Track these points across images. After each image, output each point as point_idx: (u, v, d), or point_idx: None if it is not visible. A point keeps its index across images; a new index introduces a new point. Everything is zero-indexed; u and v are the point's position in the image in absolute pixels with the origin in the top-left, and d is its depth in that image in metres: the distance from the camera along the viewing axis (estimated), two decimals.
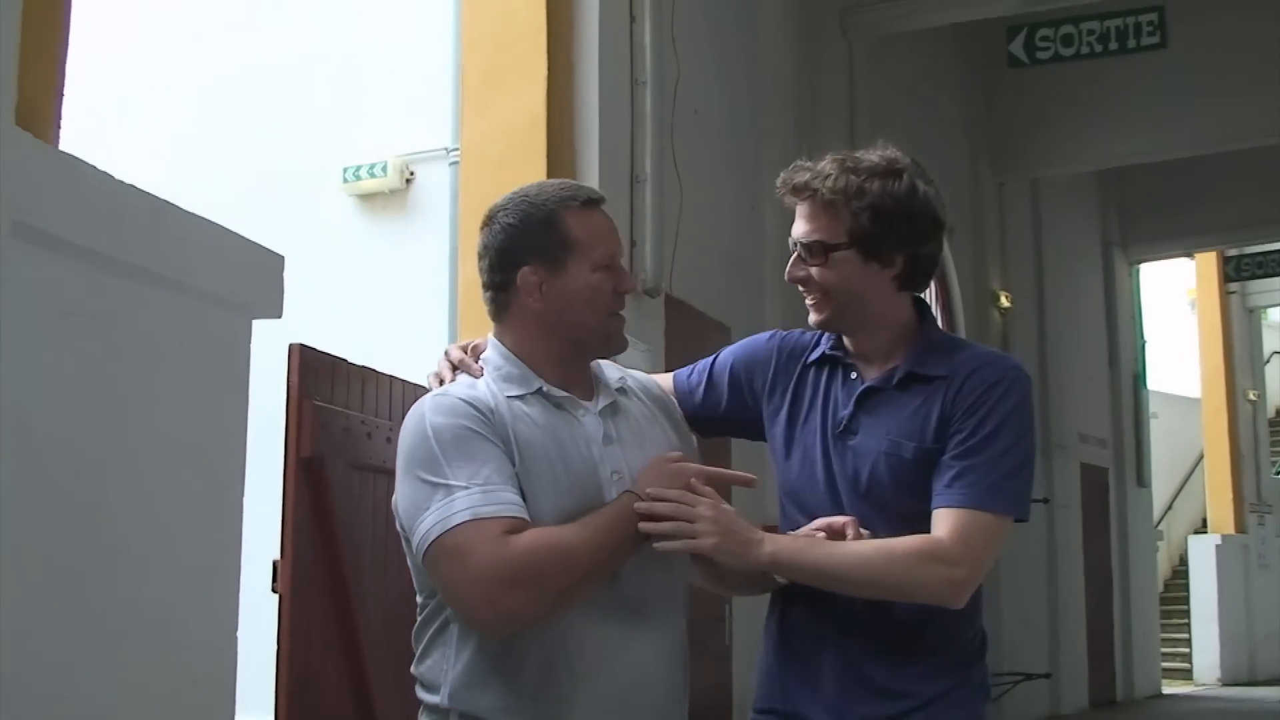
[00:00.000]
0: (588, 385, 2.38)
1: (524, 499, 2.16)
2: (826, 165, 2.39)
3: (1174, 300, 20.77)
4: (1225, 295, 19.16)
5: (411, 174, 6.32)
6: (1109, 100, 12.58)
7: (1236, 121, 12.41)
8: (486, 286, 2.38)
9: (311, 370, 4.26)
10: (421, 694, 2.27)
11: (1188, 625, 18.81)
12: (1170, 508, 20.51)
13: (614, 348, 2.40)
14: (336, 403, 4.36)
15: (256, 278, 3.37)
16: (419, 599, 2.32)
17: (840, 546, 2.27)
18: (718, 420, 2.61)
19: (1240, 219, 15.80)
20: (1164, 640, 17.55)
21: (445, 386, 2.31)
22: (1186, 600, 19.01)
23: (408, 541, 2.22)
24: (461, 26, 5.93)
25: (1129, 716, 14.31)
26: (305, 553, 4.19)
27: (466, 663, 2.20)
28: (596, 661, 2.20)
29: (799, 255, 2.42)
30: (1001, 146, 13.27)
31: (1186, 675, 18.36)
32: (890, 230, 2.37)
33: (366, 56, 6.60)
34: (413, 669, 2.31)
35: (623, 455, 2.31)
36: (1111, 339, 16.21)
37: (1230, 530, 19.00)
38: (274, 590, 4.12)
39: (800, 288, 2.44)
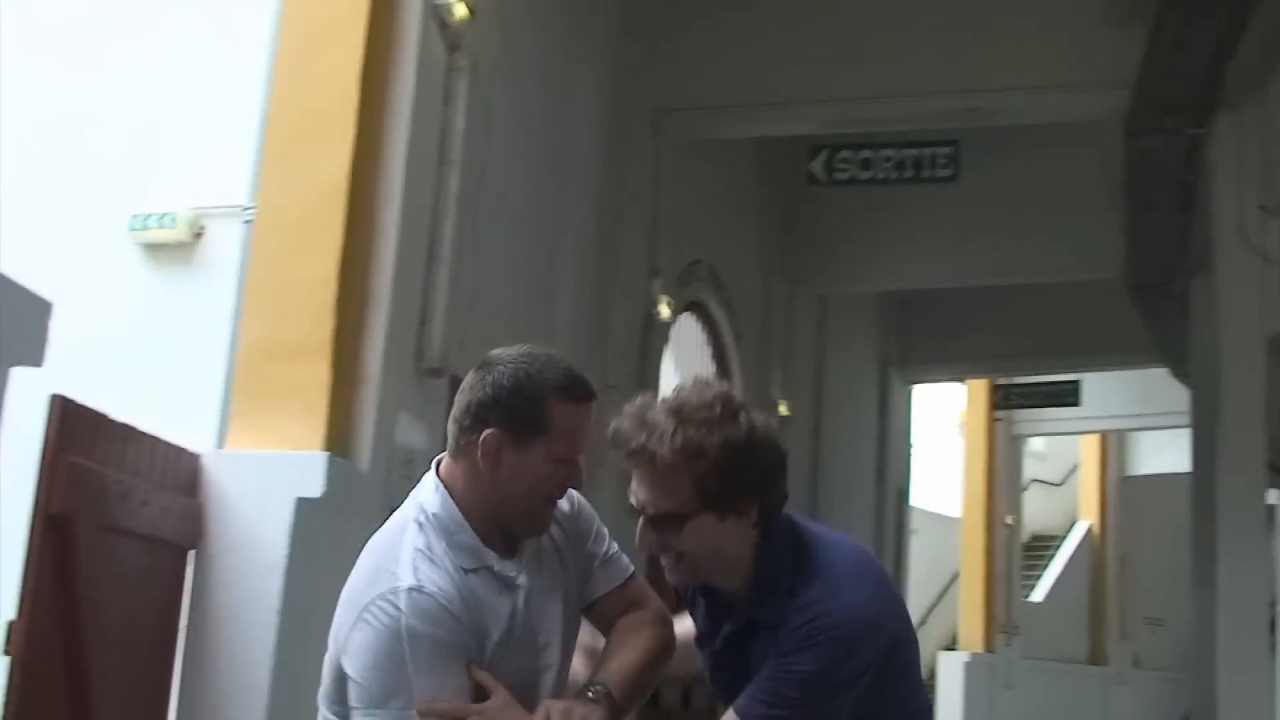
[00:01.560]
0: (506, 542, 2.42)
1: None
2: (660, 419, 2.32)
3: (944, 423, 21.57)
4: (992, 422, 19.99)
5: (202, 228, 6.12)
6: (900, 226, 13.12)
7: (1015, 257, 13.10)
8: (455, 423, 2.41)
9: (72, 424, 4.09)
10: None
11: None
12: (924, 623, 21.12)
13: (535, 533, 2.44)
14: (96, 459, 4.18)
15: (18, 322, 3.20)
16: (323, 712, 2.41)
17: None
18: None
19: (1010, 350, 16.62)
20: None
21: (418, 574, 2.30)
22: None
23: (337, 686, 2.34)
24: (272, 85, 5.82)
25: None
26: (43, 615, 3.99)
27: None
28: None
29: (647, 523, 2.37)
30: (794, 259, 13.66)
31: None
32: (740, 485, 2.33)
33: (168, 105, 6.40)
34: None
35: (545, 616, 2.42)
36: (881, 455, 16.64)
37: (979, 649, 19.65)
38: (5, 653, 3.90)
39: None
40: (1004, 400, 19.45)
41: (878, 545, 16.41)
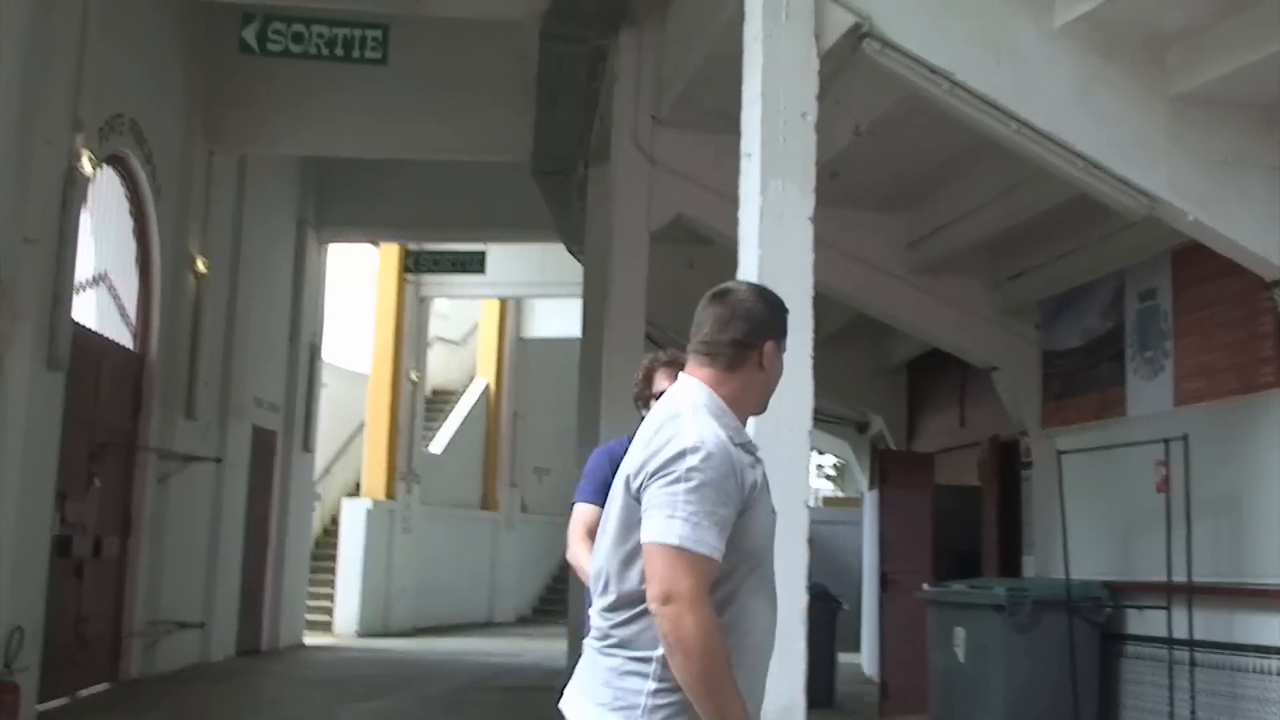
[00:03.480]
0: None
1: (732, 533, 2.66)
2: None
3: (356, 283, 22.17)
4: (402, 284, 20.88)
5: None
6: (325, 96, 13.50)
7: (433, 135, 13.85)
8: (723, 343, 2.86)
9: None
10: (626, 651, 2.70)
11: (333, 581, 20.25)
12: (329, 471, 21.85)
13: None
14: None
15: None
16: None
17: None
18: None
19: (422, 219, 17.53)
20: (311, 594, 18.78)
21: (719, 429, 2.73)
22: (335, 558, 20.44)
23: (636, 500, 2.69)
24: None
25: (270, 664, 15.20)
26: None
27: None
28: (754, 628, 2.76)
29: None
30: (218, 120, 13.72)
31: (328, 628, 19.78)
32: None
33: None
34: (610, 629, 2.75)
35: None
36: (295, 312, 17.12)
37: (381, 496, 20.71)
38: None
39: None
40: (414, 264, 20.36)
41: (290, 398, 16.90)
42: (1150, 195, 6.41)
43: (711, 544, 2.60)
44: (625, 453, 2.90)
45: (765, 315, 2.90)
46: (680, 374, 2.97)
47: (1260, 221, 6.54)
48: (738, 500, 2.69)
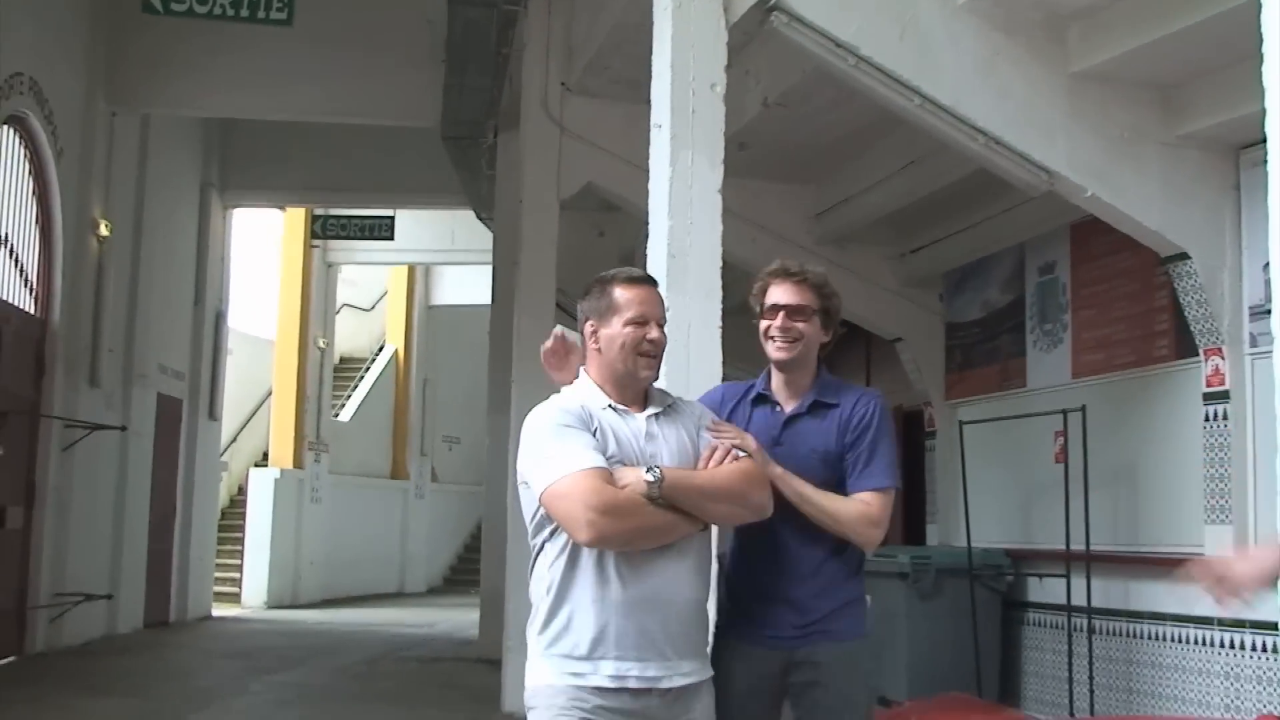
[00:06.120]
0: (640, 401, 3.43)
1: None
2: (810, 265, 3.78)
3: (262, 248, 21.89)
4: (309, 249, 20.65)
5: None
6: (230, 56, 13.24)
7: (340, 99, 13.68)
8: (578, 330, 3.51)
9: None
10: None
11: (241, 551, 20.06)
12: (235, 440, 21.63)
13: (640, 381, 3.42)
14: None
15: None
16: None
17: (815, 490, 3.55)
18: None
19: (330, 183, 17.30)
20: (218, 565, 18.57)
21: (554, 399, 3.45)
22: (242, 528, 20.24)
23: (525, 485, 3.30)
24: None
25: (179, 636, 15.07)
26: None
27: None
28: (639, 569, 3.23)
29: (788, 315, 3.67)
30: (121, 79, 13.44)
31: (236, 599, 19.61)
32: (833, 314, 3.77)
33: None
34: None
35: (658, 446, 3.34)
36: (200, 277, 16.86)
37: (289, 465, 20.54)
38: None
39: (778, 334, 3.67)
40: (322, 230, 20.12)
41: (195, 365, 16.68)
42: (1049, 171, 6.53)
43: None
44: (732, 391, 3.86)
45: (583, 303, 3.47)
46: None
47: (1155, 198, 6.70)
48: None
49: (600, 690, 3.18)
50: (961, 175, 8.13)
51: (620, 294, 3.40)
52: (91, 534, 13.28)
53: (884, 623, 8.86)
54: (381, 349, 24.92)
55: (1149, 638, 7.63)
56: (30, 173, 12.08)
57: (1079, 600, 8.03)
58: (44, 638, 12.30)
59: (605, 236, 12.90)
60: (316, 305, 21.25)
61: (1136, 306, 7.88)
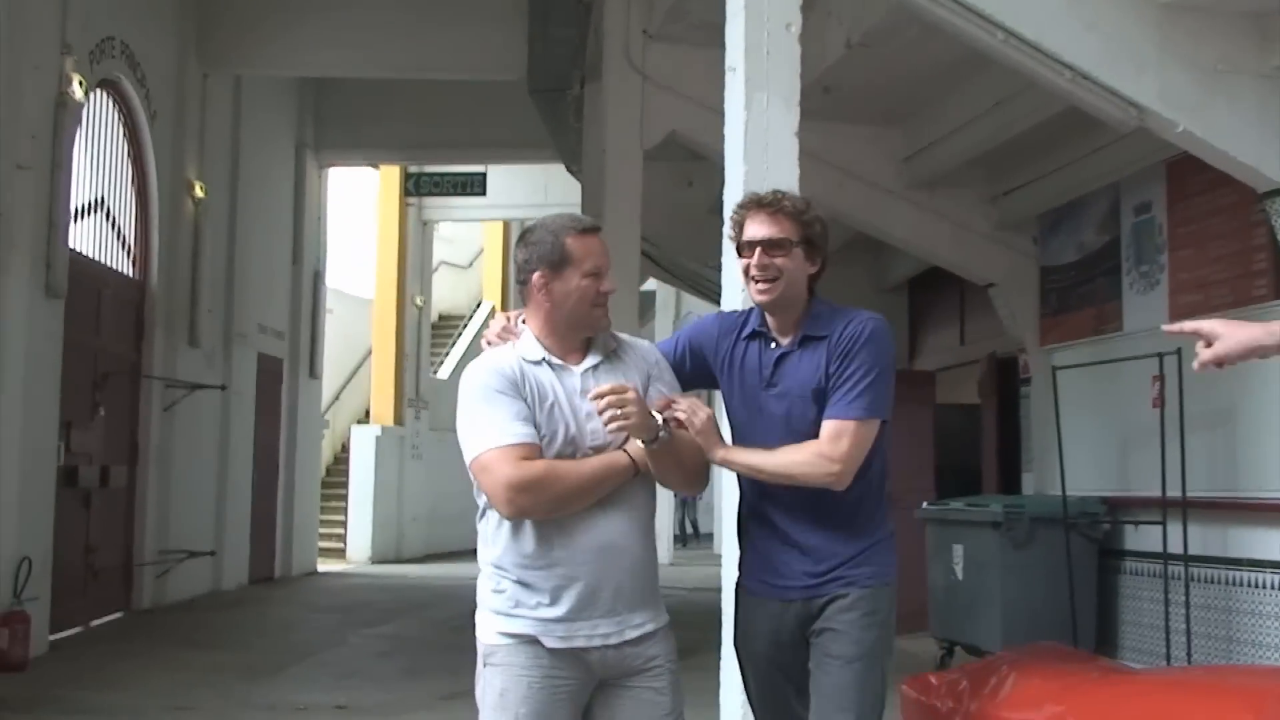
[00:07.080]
0: (581, 350, 3.34)
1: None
2: (786, 192, 3.52)
3: (359, 206, 22.09)
4: (404, 207, 20.78)
5: None
6: (319, 13, 13.30)
7: (428, 53, 13.63)
8: (518, 282, 3.35)
9: None
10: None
11: (345, 508, 20.35)
12: (337, 398, 21.91)
13: (593, 330, 3.33)
14: None
15: None
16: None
17: (762, 452, 3.35)
18: (689, 378, 3.59)
19: (422, 140, 17.30)
20: (323, 522, 18.86)
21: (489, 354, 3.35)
22: (346, 485, 20.52)
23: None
24: None
25: (282, 591, 15.34)
26: None
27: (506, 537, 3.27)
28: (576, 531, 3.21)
29: (764, 250, 3.40)
30: (211, 41, 13.56)
31: (341, 554, 19.93)
32: (817, 241, 3.48)
33: None
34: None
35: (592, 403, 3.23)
36: (297, 237, 17.04)
37: (390, 422, 20.77)
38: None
39: (756, 272, 3.42)
40: (415, 187, 20.23)
41: (294, 325, 16.90)
42: (1139, 106, 6.30)
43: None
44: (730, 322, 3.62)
45: (523, 255, 3.32)
46: None
47: (1250, 132, 6.42)
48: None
49: (554, 652, 3.22)
50: (1051, 114, 7.91)
51: (574, 245, 3.29)
52: (195, 492, 13.54)
53: (976, 573, 8.77)
54: (479, 306, 25.03)
55: (1248, 585, 7.41)
56: (125, 136, 12.24)
57: (1176, 548, 7.82)
58: (150, 594, 12.57)
59: (694, 186, 12.80)
60: (413, 263, 21.39)
61: (1234, 245, 7.62)
